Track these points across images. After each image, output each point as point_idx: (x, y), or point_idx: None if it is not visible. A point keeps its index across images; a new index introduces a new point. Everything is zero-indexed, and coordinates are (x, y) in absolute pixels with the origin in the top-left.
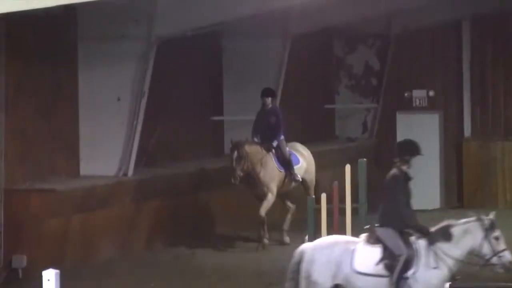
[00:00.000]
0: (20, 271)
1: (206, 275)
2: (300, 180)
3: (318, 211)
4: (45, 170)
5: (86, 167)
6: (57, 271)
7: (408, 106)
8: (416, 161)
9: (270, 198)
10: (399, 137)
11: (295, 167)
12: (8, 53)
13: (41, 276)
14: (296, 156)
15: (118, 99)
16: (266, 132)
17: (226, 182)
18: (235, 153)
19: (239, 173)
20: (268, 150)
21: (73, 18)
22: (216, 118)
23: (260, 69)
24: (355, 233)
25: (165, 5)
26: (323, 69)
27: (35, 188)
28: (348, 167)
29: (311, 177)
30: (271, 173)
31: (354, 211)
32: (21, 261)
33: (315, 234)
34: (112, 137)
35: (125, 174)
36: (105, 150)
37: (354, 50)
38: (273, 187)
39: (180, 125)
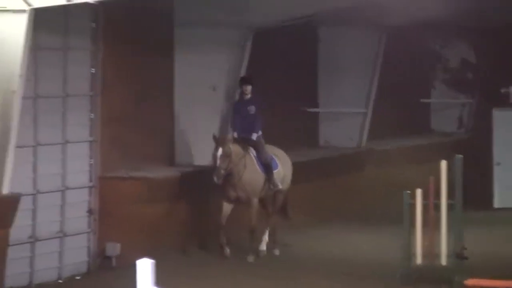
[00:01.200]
0: (113, 259)
1: (300, 266)
2: (280, 187)
3: (413, 206)
4: (140, 157)
5: (181, 155)
6: (152, 260)
7: (504, 102)
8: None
9: (255, 203)
10: (495, 134)
11: (274, 172)
12: (106, 39)
13: (134, 265)
14: (275, 161)
15: (214, 89)
16: (246, 124)
17: (318, 173)
18: (220, 150)
19: (223, 172)
20: (249, 149)
21: (170, 4)
22: (311, 109)
23: (356, 60)
24: (450, 229)
25: None
26: (419, 63)
27: (129, 176)
28: (444, 163)
29: (286, 185)
30: (255, 176)
31: (449, 208)
32: (115, 249)
33: (410, 230)
34: (207, 125)
35: None
36: (200, 138)
37: (451, 44)
38: (258, 192)
39: (275, 116)
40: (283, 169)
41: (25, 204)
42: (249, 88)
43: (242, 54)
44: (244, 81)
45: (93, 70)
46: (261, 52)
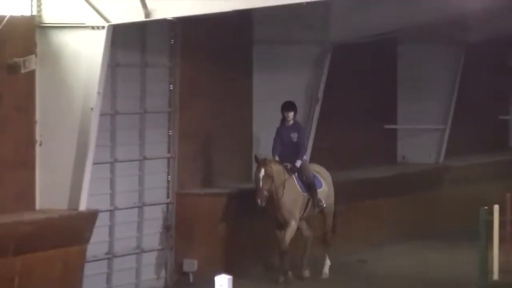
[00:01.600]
0: (191, 275)
1: (375, 283)
2: (325, 206)
3: (490, 223)
4: (217, 173)
5: None
6: (230, 277)
7: None
8: None
9: (293, 225)
10: None
11: (318, 191)
12: (184, 55)
13: (211, 281)
14: (319, 179)
15: None
16: (288, 151)
17: (395, 190)
18: (262, 171)
19: (266, 193)
20: (291, 172)
21: (248, 21)
22: (389, 126)
23: (435, 76)
24: None
25: (340, 11)
26: (497, 79)
27: (206, 192)
28: None
29: (331, 202)
30: (294, 197)
31: None
32: (192, 265)
33: (487, 247)
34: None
35: None
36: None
37: None
38: (296, 213)
39: (353, 131)
40: (327, 187)
41: (102, 221)
42: (291, 114)
43: (321, 70)
44: (286, 107)
45: (171, 87)
46: (340, 68)
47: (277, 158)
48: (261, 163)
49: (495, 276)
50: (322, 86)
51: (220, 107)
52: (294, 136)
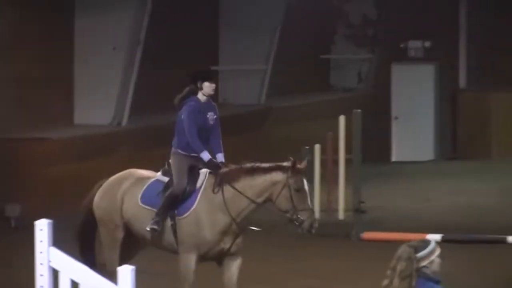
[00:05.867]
0: (12, 220)
1: None
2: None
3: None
4: (40, 118)
5: (80, 116)
6: (50, 221)
7: (403, 57)
8: (410, 112)
9: None
10: (394, 88)
11: None
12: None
13: (34, 226)
14: None
15: (114, 49)
16: (203, 139)
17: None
18: (305, 181)
19: None
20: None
21: None
22: (212, 67)
23: (257, 16)
24: (349, 183)
25: None
26: (320, 18)
27: (30, 137)
28: (342, 118)
29: None
30: None
31: (349, 162)
32: (14, 210)
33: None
34: (107, 86)
35: (119, 123)
36: (99, 99)
37: None
38: None
39: (178, 74)
40: None
41: None
42: (212, 86)
43: (143, 13)
44: (209, 76)
45: None
46: (163, 10)
47: (207, 156)
48: (303, 170)
49: (316, 214)
50: (143, 30)
51: (43, 53)
52: (212, 116)
